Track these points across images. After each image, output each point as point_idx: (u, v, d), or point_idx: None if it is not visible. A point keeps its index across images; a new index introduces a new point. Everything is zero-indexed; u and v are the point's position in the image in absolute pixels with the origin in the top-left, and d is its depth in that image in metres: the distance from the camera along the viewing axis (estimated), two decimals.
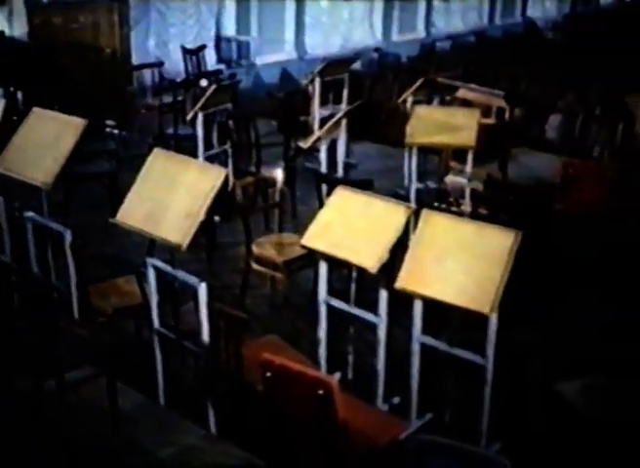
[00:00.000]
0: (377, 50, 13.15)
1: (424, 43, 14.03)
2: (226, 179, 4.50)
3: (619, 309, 5.31)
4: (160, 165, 4.25)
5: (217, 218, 6.66)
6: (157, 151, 4.32)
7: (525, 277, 3.93)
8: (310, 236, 4.21)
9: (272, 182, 5.90)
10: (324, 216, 4.25)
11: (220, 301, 4.11)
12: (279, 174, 5.79)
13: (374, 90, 10.35)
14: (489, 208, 5.71)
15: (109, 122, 8.13)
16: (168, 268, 4.12)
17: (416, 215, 4.00)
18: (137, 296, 4.49)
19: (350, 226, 4.13)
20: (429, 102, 7.59)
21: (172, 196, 4.06)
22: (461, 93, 7.30)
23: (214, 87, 7.24)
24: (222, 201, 4.71)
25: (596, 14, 17.57)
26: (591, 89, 10.04)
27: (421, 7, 14.06)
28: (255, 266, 5.50)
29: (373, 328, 4.19)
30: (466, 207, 6.12)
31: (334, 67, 8.57)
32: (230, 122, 7.31)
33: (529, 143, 7.97)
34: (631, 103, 6.62)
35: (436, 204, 6.40)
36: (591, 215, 5.76)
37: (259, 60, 11.69)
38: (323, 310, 4.39)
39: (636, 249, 6.00)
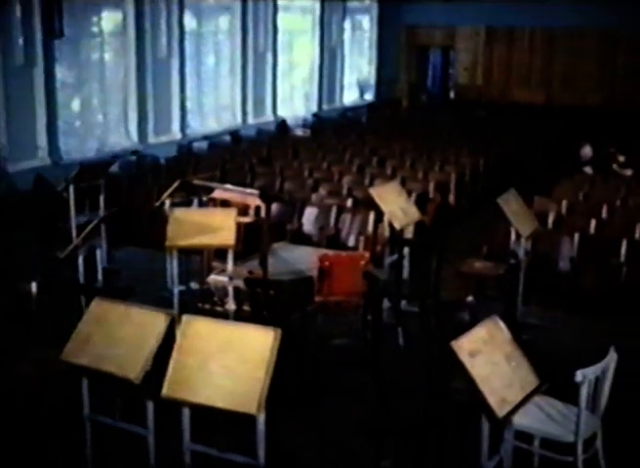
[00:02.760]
0: (134, 152, 13.15)
1: (181, 144, 14.24)
2: None
3: (384, 394, 5.51)
4: None
5: None
6: None
7: (288, 371, 4.02)
8: (70, 351, 4.08)
9: (28, 295, 5.67)
10: (83, 329, 4.15)
11: None
12: (34, 286, 5.59)
13: (133, 193, 10.31)
14: (251, 305, 5.83)
15: None
16: None
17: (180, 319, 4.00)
18: None
19: (111, 337, 4.05)
20: (188, 204, 7.66)
21: None
22: (218, 193, 7.44)
23: None
24: None
25: (342, 111, 18.82)
26: (341, 181, 10.69)
27: (175, 109, 14.31)
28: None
29: (143, 439, 4.09)
30: (231, 305, 6.19)
31: (89, 172, 8.45)
32: None
33: (288, 238, 8.25)
34: (375, 195, 7.11)
35: (200, 305, 6.43)
36: (348, 304, 6.05)
37: (10, 168, 11.26)
38: (88, 427, 4.22)
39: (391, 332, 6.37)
